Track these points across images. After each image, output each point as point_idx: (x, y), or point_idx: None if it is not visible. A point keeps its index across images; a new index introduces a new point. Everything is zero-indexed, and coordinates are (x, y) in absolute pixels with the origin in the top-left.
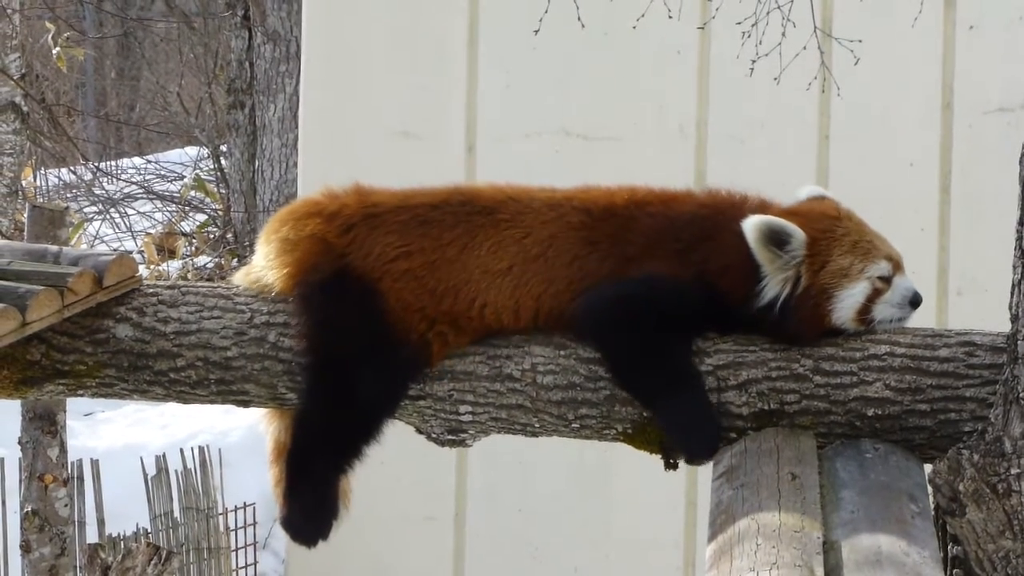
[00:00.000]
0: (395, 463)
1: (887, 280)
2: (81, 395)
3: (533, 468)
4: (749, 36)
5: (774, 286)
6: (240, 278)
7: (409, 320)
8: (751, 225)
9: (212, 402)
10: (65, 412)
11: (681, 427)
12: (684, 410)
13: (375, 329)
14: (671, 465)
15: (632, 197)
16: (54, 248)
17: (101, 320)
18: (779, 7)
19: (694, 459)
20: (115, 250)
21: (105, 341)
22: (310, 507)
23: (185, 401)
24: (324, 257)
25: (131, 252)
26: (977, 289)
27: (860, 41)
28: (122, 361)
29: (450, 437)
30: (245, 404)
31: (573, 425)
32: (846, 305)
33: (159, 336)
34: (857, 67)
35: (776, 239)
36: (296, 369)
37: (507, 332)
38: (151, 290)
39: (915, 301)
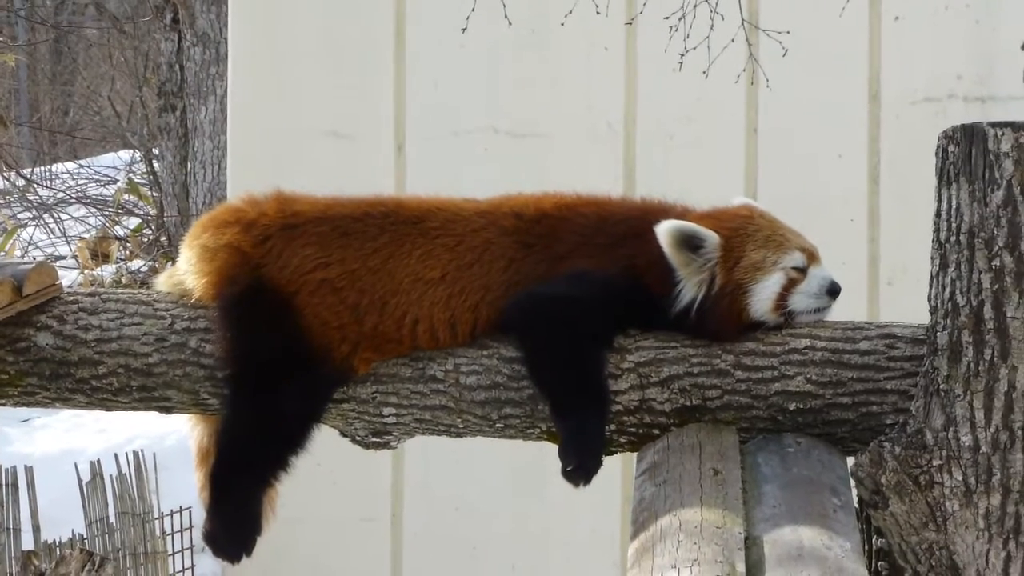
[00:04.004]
0: (330, 464)
1: (802, 271)
2: (3, 404)
3: (469, 467)
4: (676, 30)
5: (690, 289)
6: (163, 281)
7: (329, 340)
8: (663, 230)
9: (135, 409)
10: None
11: (580, 441)
12: (587, 426)
13: (292, 347)
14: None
15: (561, 200)
16: None
17: (22, 329)
18: (706, 0)
19: (577, 474)
20: (46, 256)
21: (26, 350)
22: (233, 524)
23: (108, 408)
24: (240, 268)
25: (65, 257)
26: (908, 279)
27: (788, 32)
28: (44, 369)
29: (374, 439)
30: (168, 411)
31: (497, 425)
32: (762, 297)
33: (80, 344)
34: (785, 59)
35: (689, 243)
36: (219, 378)
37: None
38: (71, 298)
39: (832, 290)
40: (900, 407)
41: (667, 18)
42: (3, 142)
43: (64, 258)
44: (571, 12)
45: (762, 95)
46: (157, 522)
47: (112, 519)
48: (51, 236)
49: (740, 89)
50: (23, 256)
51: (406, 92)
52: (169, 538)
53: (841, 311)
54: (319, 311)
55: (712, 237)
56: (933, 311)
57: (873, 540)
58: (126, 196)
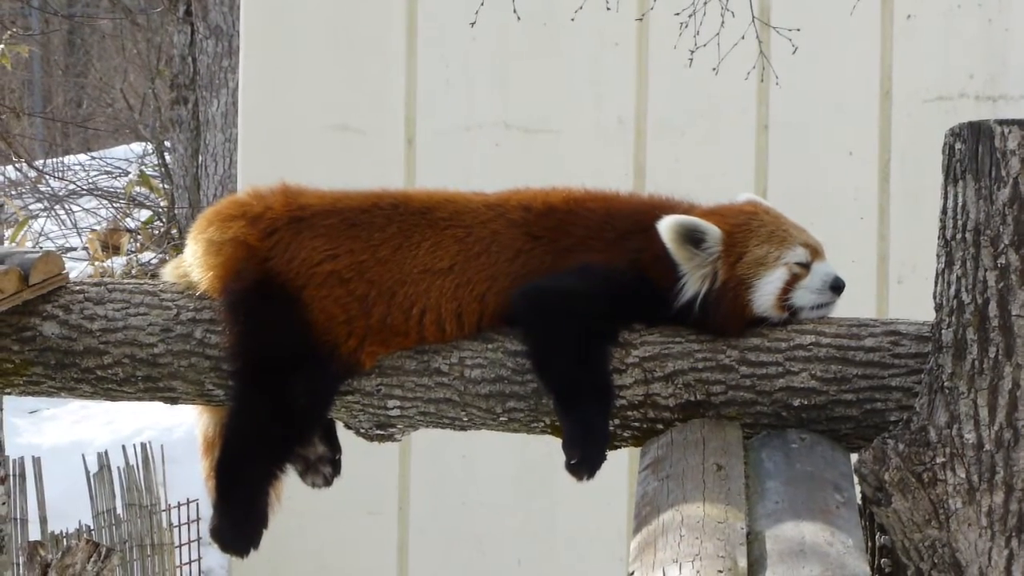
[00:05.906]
0: None
1: (805, 266)
2: (9, 393)
3: (476, 461)
4: (687, 26)
5: (693, 284)
6: (169, 272)
7: (336, 334)
8: (665, 224)
9: (140, 399)
10: (1, 410)
11: (583, 435)
12: (591, 421)
13: (298, 342)
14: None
15: (569, 195)
16: None
17: (28, 318)
18: None
19: (581, 467)
20: (57, 248)
21: (32, 339)
22: (240, 518)
23: (113, 398)
24: (247, 263)
25: (76, 248)
26: (917, 277)
27: (798, 30)
28: (49, 359)
29: (378, 432)
30: (173, 401)
31: (501, 418)
32: (765, 293)
33: (86, 333)
34: (795, 56)
35: (692, 237)
36: (224, 371)
37: (446, 342)
38: (77, 287)
39: (836, 286)
40: (904, 404)
41: (677, 14)
42: (16, 133)
43: (75, 250)
44: (581, 7)
45: (773, 92)
46: (164, 514)
47: (119, 511)
48: (62, 228)
49: (751, 86)
50: (34, 247)
51: (417, 86)
52: (176, 530)
53: (850, 309)
54: (326, 304)
55: (714, 231)
56: (938, 308)
57: (876, 537)
58: (137, 188)
